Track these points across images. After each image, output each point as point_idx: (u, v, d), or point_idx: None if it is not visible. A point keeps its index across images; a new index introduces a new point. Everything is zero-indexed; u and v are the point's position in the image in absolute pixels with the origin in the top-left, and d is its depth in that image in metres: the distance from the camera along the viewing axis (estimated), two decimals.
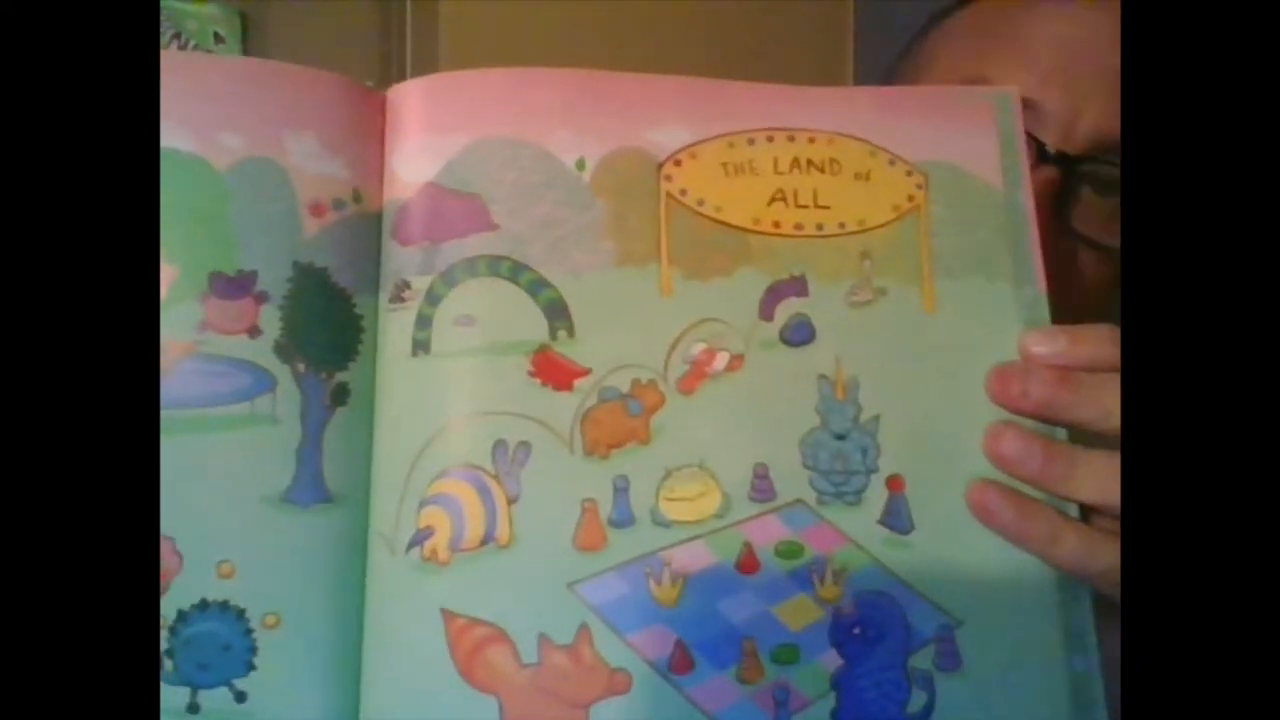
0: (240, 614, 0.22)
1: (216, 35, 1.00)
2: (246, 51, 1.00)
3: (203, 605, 0.22)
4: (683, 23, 0.83)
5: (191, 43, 1.03)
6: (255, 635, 0.22)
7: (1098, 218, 0.38)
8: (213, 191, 0.24)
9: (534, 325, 0.25)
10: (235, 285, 0.24)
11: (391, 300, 0.25)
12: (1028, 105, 0.34)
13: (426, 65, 1.00)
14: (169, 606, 0.22)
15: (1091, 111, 0.37)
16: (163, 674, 0.22)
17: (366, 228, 0.26)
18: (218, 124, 0.24)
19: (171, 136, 0.24)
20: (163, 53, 0.24)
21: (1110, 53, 0.38)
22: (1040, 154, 0.35)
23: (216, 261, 0.24)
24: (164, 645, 0.22)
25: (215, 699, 0.22)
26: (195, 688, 0.22)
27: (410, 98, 0.27)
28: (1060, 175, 0.36)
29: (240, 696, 0.22)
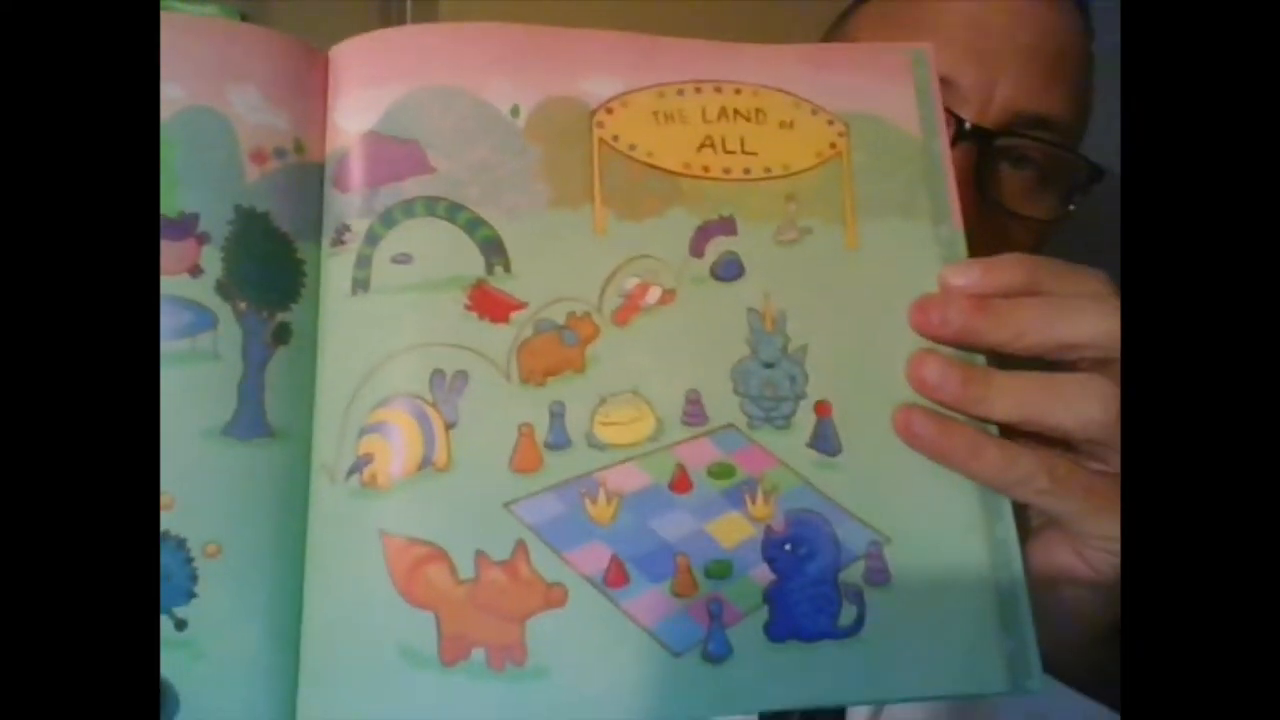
0: (180, 543, 0.23)
1: None
2: None
3: None
4: (680, 25, 0.84)
5: None
6: (196, 564, 0.22)
7: (1016, 189, 0.40)
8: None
9: (471, 261, 0.25)
10: (177, 227, 0.24)
11: (332, 244, 0.26)
12: (945, 82, 0.36)
13: None
14: None
15: (1005, 86, 0.39)
16: None
17: (308, 177, 0.27)
18: (161, 75, 0.25)
19: None
20: None
21: (1020, 28, 0.40)
22: (959, 131, 0.38)
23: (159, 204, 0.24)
24: None
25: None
26: None
27: (351, 54, 0.28)
28: (978, 150, 0.38)
29: (180, 624, 0.22)
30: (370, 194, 0.26)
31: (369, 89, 0.27)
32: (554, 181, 0.26)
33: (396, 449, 0.24)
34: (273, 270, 0.25)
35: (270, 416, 0.24)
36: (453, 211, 0.26)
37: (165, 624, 0.22)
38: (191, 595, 0.22)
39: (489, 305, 0.25)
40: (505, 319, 0.25)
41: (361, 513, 0.23)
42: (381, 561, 0.23)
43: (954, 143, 0.36)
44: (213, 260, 0.24)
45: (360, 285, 0.25)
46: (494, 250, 0.26)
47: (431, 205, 0.26)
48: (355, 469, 0.24)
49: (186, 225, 0.24)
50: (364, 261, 0.25)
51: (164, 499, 0.23)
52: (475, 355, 0.24)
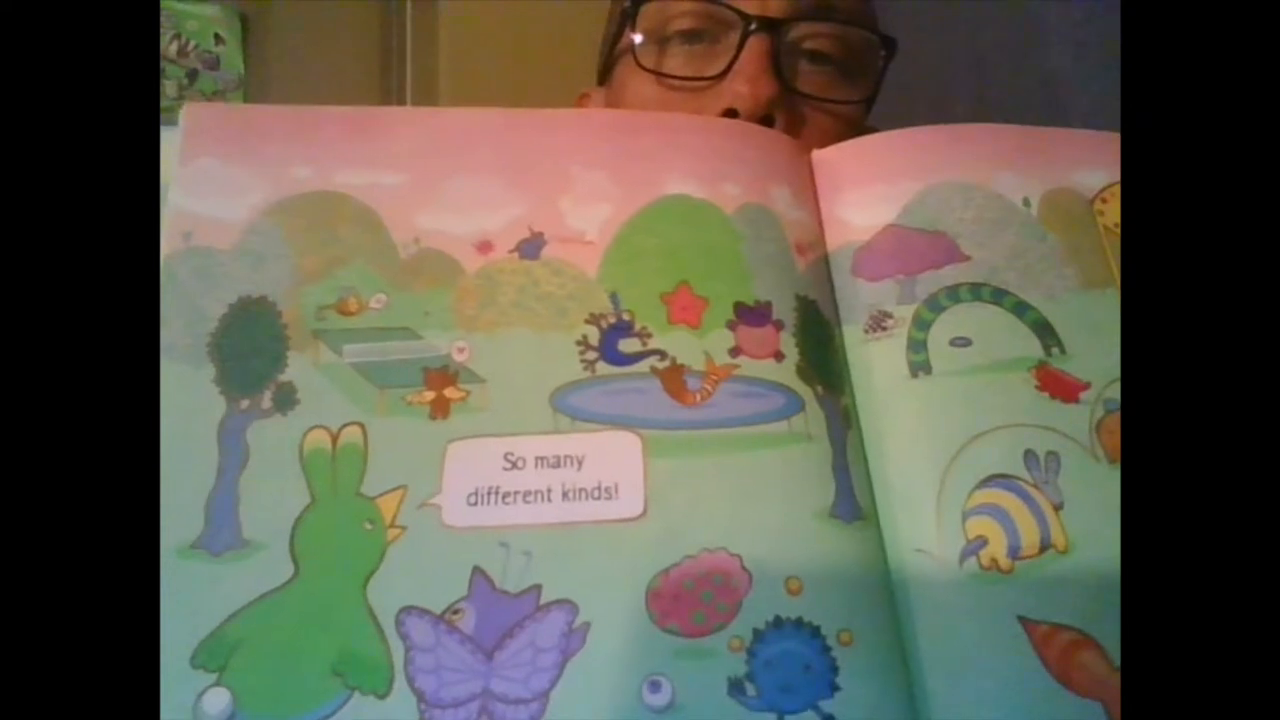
0: (815, 631, 0.22)
1: (217, 36, 1.02)
2: (246, 51, 1.00)
3: (777, 623, 0.22)
4: None
5: (192, 43, 1.03)
6: (834, 654, 0.22)
7: (822, 81, 0.39)
8: (725, 231, 0.26)
9: (1027, 344, 0.26)
10: (756, 314, 0.25)
11: (870, 330, 0.26)
12: None
13: (426, 65, 0.99)
14: (743, 627, 0.22)
15: None
16: (745, 700, 0.21)
17: (824, 268, 0.28)
18: (720, 175, 0.26)
19: (684, 184, 0.26)
20: (665, 116, 0.27)
21: None
22: (747, 27, 0.37)
23: (738, 293, 0.25)
24: (743, 670, 0.21)
25: None
26: (781, 713, 0.21)
27: (839, 156, 0.29)
28: (772, 41, 0.37)
29: None
30: (908, 282, 0.27)
31: (876, 187, 0.28)
32: (1079, 266, 0.27)
33: (1011, 531, 0.23)
34: (829, 356, 0.26)
35: (858, 498, 0.24)
36: (998, 296, 0.26)
37: None
38: (835, 688, 0.21)
39: (1058, 386, 0.25)
40: (1075, 399, 0.25)
41: (992, 597, 0.22)
42: (1029, 648, 0.22)
43: (744, 40, 0.36)
44: (789, 346, 0.25)
45: (920, 368, 0.25)
46: (1045, 332, 0.26)
47: (976, 290, 0.26)
48: (970, 552, 0.23)
49: (764, 312, 0.25)
50: (918, 345, 0.26)
51: (792, 583, 0.22)
52: (1060, 435, 0.24)
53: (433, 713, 0.20)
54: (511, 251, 0.25)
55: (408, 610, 0.21)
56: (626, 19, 0.39)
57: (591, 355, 0.24)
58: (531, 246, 0.25)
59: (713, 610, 0.22)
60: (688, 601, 0.22)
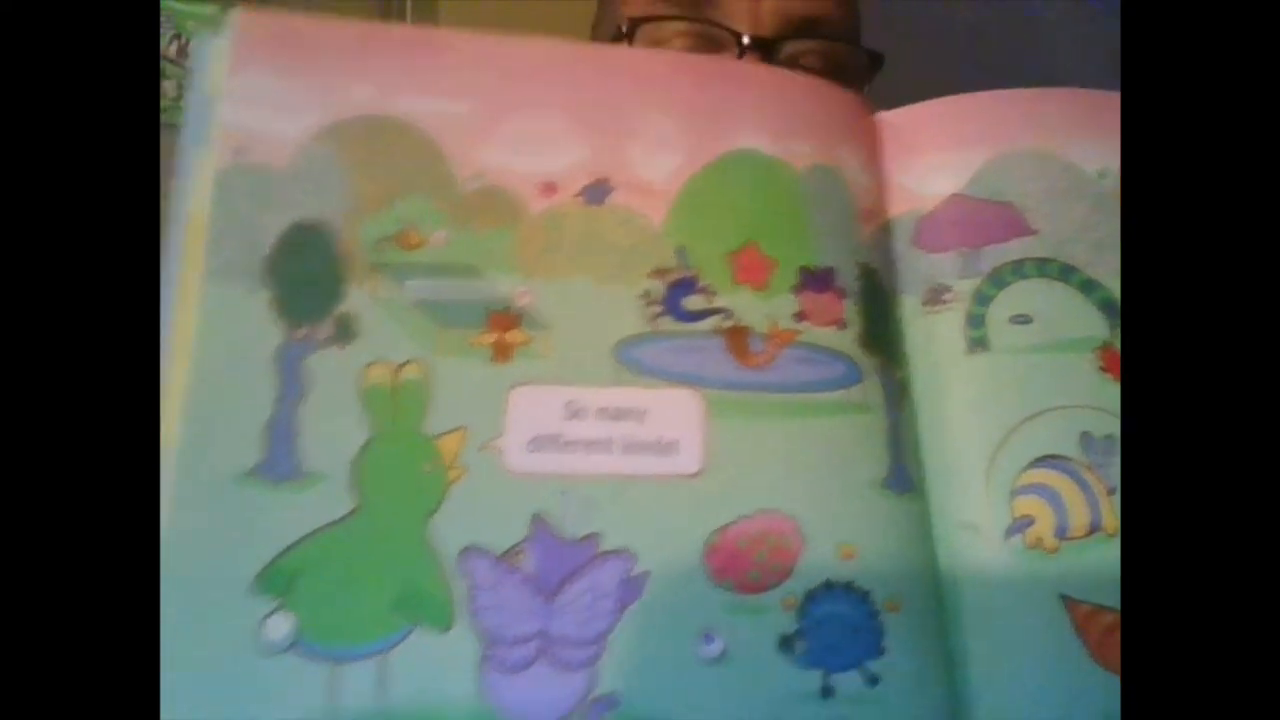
0: (865, 596, 0.22)
1: None
2: None
3: (828, 586, 0.22)
4: None
5: (192, 43, 1.00)
6: (880, 619, 0.22)
7: None
8: (793, 191, 0.25)
9: (1093, 323, 0.26)
10: (821, 279, 0.25)
11: (928, 303, 0.26)
12: (711, 3, 0.37)
13: None
14: (795, 587, 0.22)
15: None
16: (794, 656, 0.22)
17: (887, 237, 0.27)
18: (791, 132, 0.26)
19: (754, 138, 0.25)
20: (737, 64, 0.26)
21: None
22: (740, 46, 0.37)
23: (804, 256, 0.25)
24: (793, 628, 0.22)
25: (847, 682, 0.21)
26: (828, 670, 0.22)
27: (911, 119, 0.28)
28: (764, 59, 0.37)
29: (872, 680, 0.22)
30: (970, 254, 0.26)
31: (944, 153, 0.27)
32: None
33: (1059, 511, 0.23)
34: (889, 327, 0.26)
35: (910, 471, 0.24)
36: (1065, 273, 0.26)
37: (856, 680, 0.22)
38: (881, 650, 0.22)
39: None
40: None
41: (1034, 575, 0.23)
42: (1069, 627, 0.22)
43: (739, 57, 0.36)
44: (852, 314, 0.25)
45: (979, 345, 0.25)
46: (1114, 312, 0.26)
47: (1043, 266, 0.26)
48: (1016, 530, 0.23)
49: (827, 278, 0.25)
50: (976, 321, 0.26)
51: (846, 549, 0.22)
52: (1119, 419, 0.24)
53: (494, 649, 0.20)
54: (577, 195, 0.24)
55: (469, 549, 0.21)
56: (623, 38, 0.39)
57: (655, 309, 0.24)
58: (597, 191, 0.24)
59: (767, 570, 0.22)
60: (743, 560, 0.22)
